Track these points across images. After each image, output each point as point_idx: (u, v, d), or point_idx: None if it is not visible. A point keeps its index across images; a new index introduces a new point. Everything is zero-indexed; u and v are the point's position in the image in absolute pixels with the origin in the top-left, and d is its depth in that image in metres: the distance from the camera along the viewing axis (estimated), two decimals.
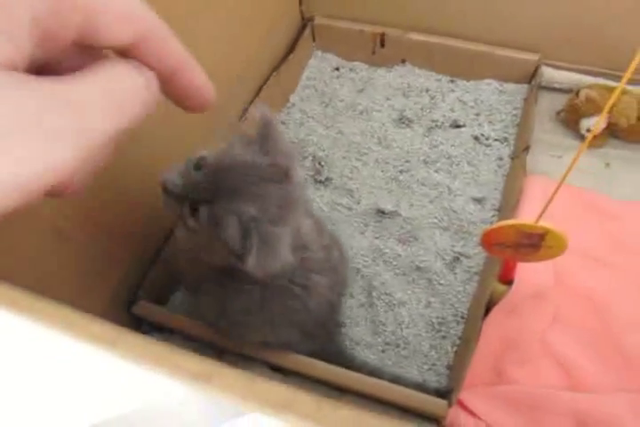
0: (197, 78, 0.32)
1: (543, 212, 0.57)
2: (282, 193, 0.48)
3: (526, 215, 0.76)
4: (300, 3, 1.00)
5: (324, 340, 0.67)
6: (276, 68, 0.95)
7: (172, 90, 0.31)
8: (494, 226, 0.60)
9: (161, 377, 0.26)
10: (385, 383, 0.64)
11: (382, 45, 0.98)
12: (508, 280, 0.70)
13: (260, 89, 0.92)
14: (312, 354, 0.66)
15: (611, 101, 0.42)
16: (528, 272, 0.71)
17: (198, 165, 0.48)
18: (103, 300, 0.65)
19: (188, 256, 0.58)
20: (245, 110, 0.89)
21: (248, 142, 0.50)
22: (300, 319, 0.59)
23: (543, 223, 0.58)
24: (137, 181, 0.64)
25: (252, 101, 0.90)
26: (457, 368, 0.68)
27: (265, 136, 0.49)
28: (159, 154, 0.63)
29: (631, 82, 0.90)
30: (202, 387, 0.20)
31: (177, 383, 0.26)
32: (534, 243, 0.61)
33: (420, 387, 0.66)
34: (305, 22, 1.02)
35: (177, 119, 0.68)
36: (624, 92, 0.88)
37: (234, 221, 0.46)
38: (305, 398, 0.20)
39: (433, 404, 0.61)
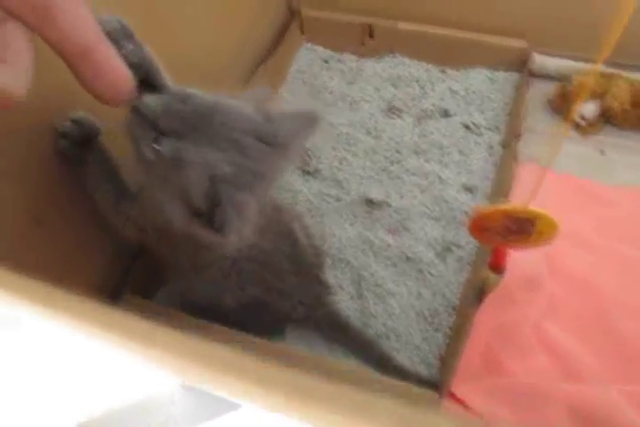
0: (114, 59, 0.32)
1: (532, 196, 0.55)
2: (266, 158, 0.44)
3: (518, 203, 0.74)
4: None
5: (313, 302, 0.67)
6: (263, 60, 0.94)
7: (85, 66, 0.30)
8: (483, 211, 0.59)
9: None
10: (375, 374, 0.63)
11: (371, 36, 0.97)
12: (499, 268, 0.68)
13: (248, 82, 0.90)
14: (307, 321, 0.67)
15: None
16: (520, 259, 0.69)
17: (185, 98, 0.43)
18: (83, 293, 0.63)
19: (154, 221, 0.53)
20: None
21: (261, 108, 0.45)
22: (264, 277, 0.59)
23: (533, 207, 0.56)
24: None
25: (239, 94, 0.88)
26: (448, 360, 0.66)
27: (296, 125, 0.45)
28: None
29: (624, 68, 0.89)
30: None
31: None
32: (524, 229, 0.59)
33: (411, 378, 0.65)
34: (292, 14, 1.00)
35: None
36: (617, 77, 0.86)
37: (200, 171, 0.41)
38: (246, 360, 0.18)
39: (424, 396, 0.60)
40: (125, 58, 0.39)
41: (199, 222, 0.43)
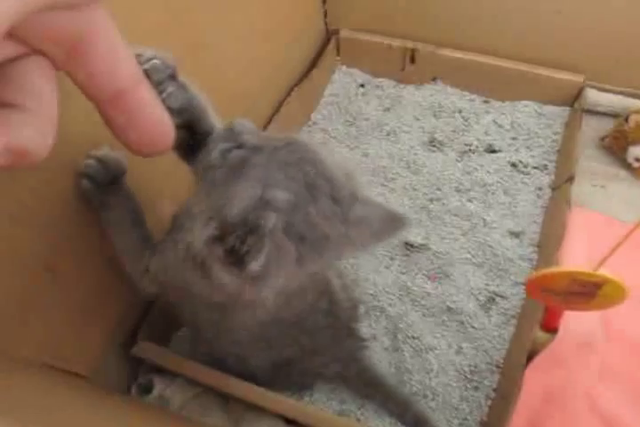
0: (152, 104, 0.26)
1: (605, 260, 0.50)
2: (332, 219, 0.38)
3: (572, 256, 0.68)
4: (325, 14, 0.94)
5: (345, 358, 0.61)
6: (297, 83, 0.89)
7: (118, 112, 0.25)
8: (544, 272, 0.53)
9: None
10: None
11: (412, 61, 0.91)
12: (551, 328, 0.63)
13: (280, 105, 0.85)
14: (341, 378, 0.63)
15: None
16: (574, 320, 0.63)
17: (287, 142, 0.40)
18: (99, 340, 0.58)
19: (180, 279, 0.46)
20: (264, 128, 0.82)
21: (351, 181, 0.40)
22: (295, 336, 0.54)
23: (603, 272, 0.51)
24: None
25: (271, 118, 0.84)
26: (492, 426, 0.61)
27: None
28: (155, 184, 0.57)
29: None
30: None
31: None
32: (588, 291, 0.54)
33: None
34: (329, 35, 0.95)
35: None
36: None
37: (256, 189, 0.36)
38: None
39: None
40: (166, 102, 0.34)
41: (220, 250, 0.36)
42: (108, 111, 0.25)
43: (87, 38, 0.23)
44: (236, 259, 0.35)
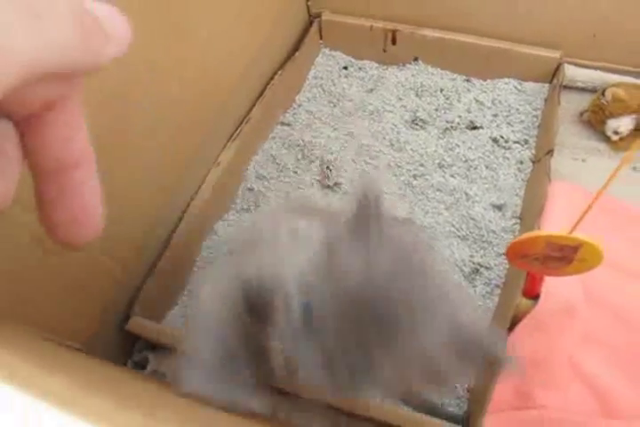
0: (91, 187, 0.25)
1: (578, 222, 0.51)
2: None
3: (552, 224, 0.70)
4: None
5: None
6: (280, 66, 0.90)
7: (55, 186, 0.24)
8: (522, 237, 0.55)
9: None
10: (397, 409, 0.59)
11: (394, 42, 0.92)
12: (533, 295, 0.64)
13: (264, 88, 0.86)
14: None
15: None
16: (555, 286, 0.65)
17: (308, 311, 0.30)
18: (93, 316, 0.59)
19: None
20: (249, 111, 0.83)
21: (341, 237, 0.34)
22: None
23: (578, 234, 0.52)
24: (129, 183, 0.58)
25: (255, 101, 0.85)
26: (478, 392, 0.62)
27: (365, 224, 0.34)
28: (155, 156, 0.58)
29: None
30: None
31: None
32: (566, 256, 0.56)
33: (437, 411, 0.61)
34: (312, 18, 0.96)
35: (175, 121, 0.63)
36: None
37: (445, 314, 0.34)
38: None
39: None
40: None
41: None
42: (45, 183, 0.24)
43: (57, 107, 0.22)
44: None
